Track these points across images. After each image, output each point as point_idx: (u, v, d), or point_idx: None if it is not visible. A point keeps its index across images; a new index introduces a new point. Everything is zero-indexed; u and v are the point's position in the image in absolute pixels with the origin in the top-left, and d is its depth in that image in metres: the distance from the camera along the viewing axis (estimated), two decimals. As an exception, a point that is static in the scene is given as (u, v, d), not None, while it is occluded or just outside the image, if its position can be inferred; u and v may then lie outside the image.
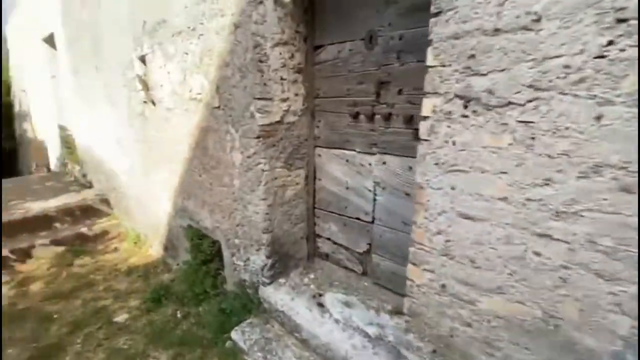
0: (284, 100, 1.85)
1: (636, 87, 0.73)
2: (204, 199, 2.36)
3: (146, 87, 2.73)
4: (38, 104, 6.29)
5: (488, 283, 1.04)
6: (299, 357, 1.70)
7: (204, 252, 2.48)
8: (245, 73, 1.76)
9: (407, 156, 1.64)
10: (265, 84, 1.74)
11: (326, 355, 1.61)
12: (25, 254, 3.14)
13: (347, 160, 1.92)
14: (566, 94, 0.84)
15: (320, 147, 2.07)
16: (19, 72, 7.18)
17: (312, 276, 2.11)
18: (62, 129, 5.28)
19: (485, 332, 1.07)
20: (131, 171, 3.34)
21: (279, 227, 2.00)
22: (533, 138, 0.89)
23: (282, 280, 2.06)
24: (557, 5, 0.81)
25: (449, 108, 1.02)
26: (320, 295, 1.91)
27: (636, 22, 0.70)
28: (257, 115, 1.76)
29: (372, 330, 1.62)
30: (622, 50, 0.74)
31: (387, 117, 1.67)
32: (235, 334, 1.89)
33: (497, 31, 0.91)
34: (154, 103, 2.68)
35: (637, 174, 0.76)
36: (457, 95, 1.00)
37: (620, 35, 0.74)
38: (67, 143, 5.10)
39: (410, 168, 1.64)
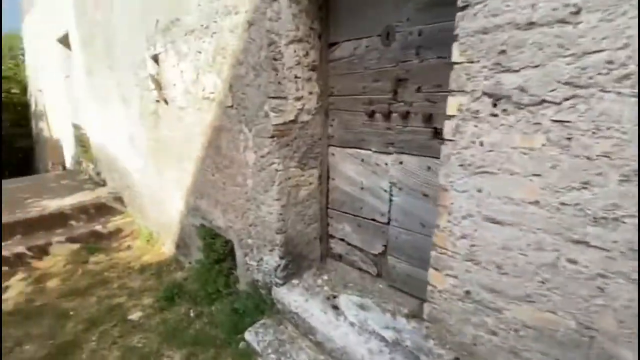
0: (298, 99, 1.82)
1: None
2: (216, 199, 2.35)
3: (159, 86, 2.74)
4: (53, 103, 6.41)
5: (516, 290, 0.99)
6: (313, 360, 1.68)
7: (216, 251, 2.48)
8: (259, 71, 1.73)
9: (425, 156, 1.59)
10: (279, 83, 1.71)
11: (342, 359, 1.58)
12: (42, 251, 3.21)
13: (362, 160, 1.88)
14: (608, 91, 0.78)
15: (334, 146, 2.03)
16: (35, 72, 7.33)
17: (325, 277, 2.08)
18: (76, 127, 5.37)
19: (512, 342, 1.03)
20: (144, 170, 3.36)
21: (293, 228, 1.97)
22: (569, 139, 0.84)
23: (295, 281, 2.03)
24: (598, -4, 0.75)
25: (476, 107, 0.97)
26: (335, 297, 1.88)
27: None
28: (271, 114, 1.73)
29: (388, 335, 1.58)
30: (674, 43, 0.68)
31: (405, 116, 1.62)
32: (248, 335, 1.88)
33: (531, 25, 0.85)
34: (166, 102, 2.68)
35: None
36: (485, 93, 0.95)
37: (672, 27, 0.68)
38: (82, 142, 5.18)
39: (429, 168, 1.59)
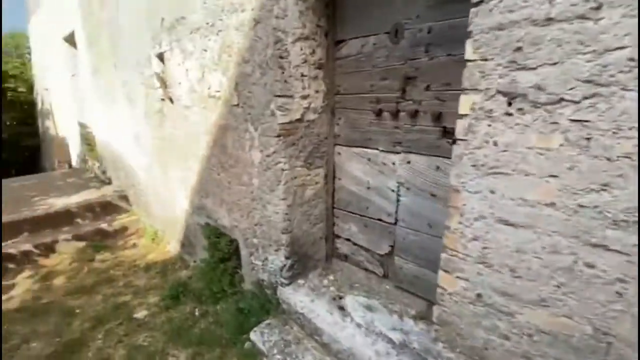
0: (305, 97, 1.80)
1: None
2: (222, 198, 2.34)
3: (164, 84, 2.73)
4: (59, 102, 6.45)
5: (530, 294, 0.97)
6: (319, 361, 1.67)
7: (221, 250, 2.47)
8: (265, 70, 1.71)
9: (434, 155, 1.56)
10: (285, 81, 1.69)
11: (348, 361, 1.56)
12: (48, 249, 3.23)
13: (368, 159, 1.86)
14: (630, 89, 0.75)
15: (340, 145, 2.01)
16: (41, 71, 7.38)
17: (331, 277, 2.06)
18: (82, 126, 5.40)
19: (525, 347, 1.00)
20: (149, 168, 3.36)
21: (299, 228, 1.96)
22: (589, 139, 0.81)
23: (301, 281, 2.02)
24: (620, -9, 0.72)
25: (490, 105, 0.94)
26: (341, 297, 1.86)
27: None
28: (278, 113, 1.72)
29: (396, 336, 1.56)
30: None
31: (413, 115, 1.59)
32: (254, 335, 1.87)
33: (549, 21, 0.82)
34: (171, 100, 2.67)
35: None
36: (499, 92, 0.92)
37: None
38: (87, 140, 5.21)
39: (438, 168, 1.56)
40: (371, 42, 1.71)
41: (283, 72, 1.67)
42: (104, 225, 3.62)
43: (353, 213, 2.02)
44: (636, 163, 0.76)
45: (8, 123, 8.94)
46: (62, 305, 2.53)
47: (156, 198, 3.39)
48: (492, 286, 1.03)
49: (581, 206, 0.84)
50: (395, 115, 1.67)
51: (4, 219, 3.29)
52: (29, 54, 8.85)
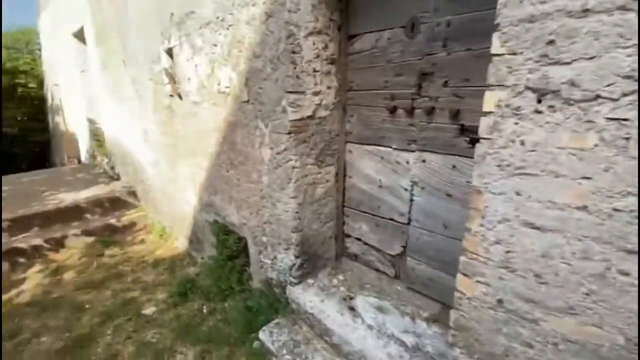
0: (316, 93, 1.75)
1: None
2: (231, 195, 2.32)
3: (173, 80, 2.71)
4: (69, 98, 6.50)
5: (557, 302, 0.92)
6: (329, 362, 1.64)
7: (229, 248, 2.46)
8: (277, 65, 1.67)
9: (450, 154, 1.51)
10: (297, 77, 1.65)
11: (359, 363, 1.53)
12: (58, 244, 3.25)
13: (381, 157, 1.82)
14: (675, 86, 0.70)
15: (351, 143, 1.96)
16: (51, 67, 7.43)
17: (341, 277, 2.03)
18: (91, 122, 5.43)
19: (550, 355, 0.96)
20: (158, 164, 3.36)
21: (309, 227, 1.92)
22: (627, 139, 0.76)
23: (310, 281, 1.99)
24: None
25: (517, 102, 0.89)
26: (351, 298, 1.83)
27: None
28: (289, 109, 1.68)
29: (408, 339, 1.53)
30: None
31: (430, 112, 1.54)
32: (263, 334, 1.85)
33: (586, 12, 0.77)
34: (180, 97, 2.65)
35: None
36: (529, 88, 0.87)
37: None
38: (96, 136, 5.24)
39: (454, 167, 1.51)
40: (386, 36, 1.66)
41: (295, 68, 1.63)
42: (112, 221, 3.64)
43: (364, 212, 1.99)
44: (680, 165, 0.71)
45: (19, 118, 9.05)
46: (71, 300, 2.55)
47: (164, 194, 3.39)
48: (515, 292, 0.99)
49: (616, 210, 0.79)
50: (410, 112, 1.62)
51: (16, 213, 3.32)
52: (40, 49, 8.92)
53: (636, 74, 0.73)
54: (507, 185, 0.95)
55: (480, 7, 1.30)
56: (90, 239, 3.40)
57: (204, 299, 2.42)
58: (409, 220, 1.75)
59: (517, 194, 0.93)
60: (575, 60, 0.80)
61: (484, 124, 0.97)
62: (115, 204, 3.90)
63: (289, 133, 1.71)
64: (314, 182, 1.88)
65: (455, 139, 1.48)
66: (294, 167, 1.77)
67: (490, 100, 0.94)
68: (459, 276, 1.12)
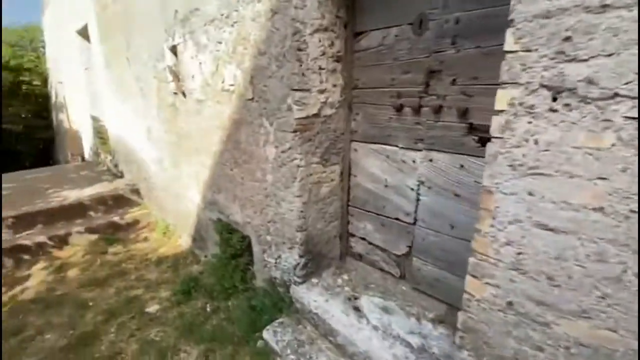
0: (322, 91, 1.74)
1: None
2: (234, 193, 2.31)
3: (177, 78, 2.70)
4: (73, 95, 6.51)
5: (570, 305, 0.90)
6: (334, 362, 1.63)
7: (233, 246, 2.45)
8: (282, 62, 1.66)
9: (458, 153, 1.49)
10: (303, 74, 1.63)
11: (364, 364, 1.52)
12: (62, 241, 3.26)
13: (387, 156, 1.79)
14: (698, 83, 0.67)
15: (356, 141, 1.94)
16: (56, 64, 7.45)
17: (345, 277, 2.01)
18: (94, 119, 5.43)
19: (562, 359, 0.94)
20: (161, 162, 3.36)
21: (313, 226, 1.91)
22: (646, 138, 0.73)
23: (314, 280, 1.98)
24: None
25: (531, 101, 0.87)
26: (356, 298, 1.82)
27: None
28: (294, 107, 1.66)
29: (414, 340, 1.51)
30: None
31: (437, 110, 1.52)
32: (267, 334, 1.84)
33: (604, 7, 0.75)
34: (184, 94, 2.64)
35: None
36: (543, 86, 0.85)
37: None
38: (100, 133, 5.25)
39: (462, 166, 1.49)
40: (393, 33, 1.63)
41: (301, 65, 1.61)
42: (116, 219, 3.64)
43: (369, 211, 1.97)
44: (703, 166, 0.68)
45: (23, 116, 9.08)
46: (75, 297, 2.55)
47: (168, 192, 3.38)
48: (526, 294, 0.97)
49: (633, 212, 0.77)
50: (417, 110, 1.60)
51: (20, 210, 3.33)
52: (44, 47, 8.94)
53: (657, 71, 0.71)
54: (519, 186, 0.93)
55: (490, 4, 1.27)
56: (94, 237, 3.40)
57: (207, 298, 2.42)
58: (415, 220, 1.73)
59: (530, 194, 0.91)
60: (592, 57, 0.77)
61: (495, 123, 0.95)
62: (119, 201, 3.91)
63: (295, 131, 1.69)
64: (318, 181, 1.87)
65: (464, 138, 1.46)
66: (298, 166, 1.75)
67: (502, 98, 0.92)
68: (468, 277, 1.10)
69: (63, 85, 7.09)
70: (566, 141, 0.83)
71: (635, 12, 0.72)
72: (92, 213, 3.67)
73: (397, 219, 1.82)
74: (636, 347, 0.83)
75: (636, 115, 0.74)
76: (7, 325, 2.25)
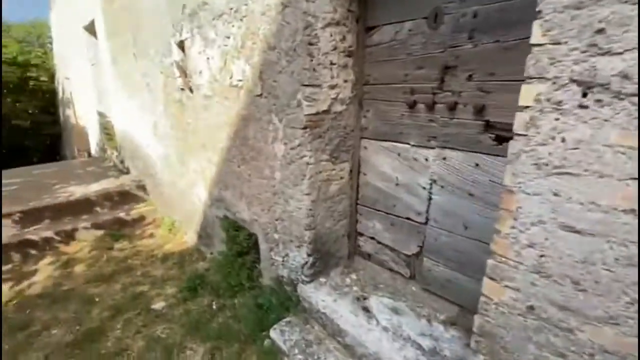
0: (333, 87, 1.70)
1: None
2: (242, 191, 2.28)
3: (184, 73, 2.68)
4: (80, 91, 6.53)
5: (596, 311, 0.86)
6: (342, 363, 1.60)
7: (239, 244, 2.43)
8: (293, 57, 1.62)
9: (473, 151, 1.45)
10: (314, 69, 1.60)
11: (374, 366, 1.49)
12: (69, 236, 3.27)
13: (398, 154, 1.76)
14: None
15: (366, 139, 1.91)
16: (62, 60, 7.48)
17: (354, 277, 1.98)
18: (101, 115, 5.44)
19: (585, 367, 0.90)
20: (167, 158, 3.34)
21: (322, 224, 1.88)
22: (685, 136, 0.69)
23: (322, 280, 1.95)
24: None
25: (559, 96, 0.83)
26: (365, 298, 1.79)
27: None
28: (304, 103, 1.63)
29: (425, 343, 1.48)
30: None
31: (452, 107, 1.47)
32: (274, 333, 1.82)
33: (643, -4, 0.70)
34: (191, 90, 2.62)
35: None
36: (573, 81, 0.80)
37: None
38: (106, 129, 5.26)
39: (477, 165, 1.45)
40: (406, 28, 1.59)
41: (312, 60, 1.57)
42: (122, 214, 3.64)
43: (378, 210, 1.93)
44: None
45: (30, 111, 9.16)
46: (82, 292, 2.55)
47: (174, 188, 3.37)
48: (549, 299, 0.93)
49: (669, 214, 0.73)
50: (431, 107, 1.55)
51: (27, 205, 3.34)
52: (51, 43, 8.99)
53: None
54: (544, 185, 0.89)
55: (511, -4, 1.22)
56: (100, 232, 3.41)
57: (213, 295, 2.40)
58: (427, 219, 1.69)
59: (555, 194, 0.87)
60: (627, 50, 0.73)
61: (519, 120, 0.91)
62: (125, 197, 3.91)
63: (304, 128, 1.66)
64: (328, 178, 1.84)
65: (480, 136, 1.41)
66: (308, 163, 1.72)
67: (527, 94, 0.88)
68: (486, 280, 1.06)
69: (70, 81, 7.12)
70: (597, 139, 0.79)
71: (677, 1, 0.67)
72: (98, 209, 3.67)
73: (407, 218, 1.78)
74: (667, 356, 0.79)
75: (675, 112, 0.70)
76: (15, 320, 2.26)
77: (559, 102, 0.83)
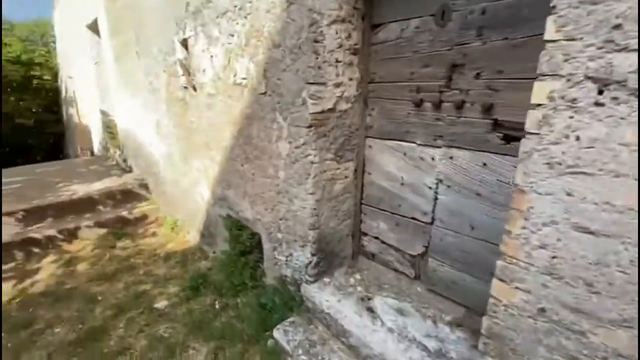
0: (338, 85, 1.68)
1: None
2: (245, 190, 2.27)
3: (187, 72, 2.66)
4: (83, 90, 6.54)
5: (610, 313, 0.84)
6: (346, 364, 1.59)
7: (243, 243, 2.42)
8: (298, 55, 1.60)
9: (481, 151, 1.43)
10: (319, 67, 1.58)
11: (379, 367, 1.48)
12: (72, 235, 3.26)
13: (404, 154, 1.74)
14: None
15: (371, 137, 1.89)
16: (66, 59, 7.50)
17: (357, 277, 1.97)
18: (104, 114, 5.45)
19: (598, 371, 0.88)
20: (170, 157, 3.34)
21: (326, 224, 1.86)
22: None
23: (326, 280, 1.94)
24: None
25: (574, 94, 0.81)
26: (369, 298, 1.77)
27: None
28: (309, 101, 1.61)
29: (431, 344, 1.46)
30: None
31: (459, 105, 1.45)
32: (277, 333, 1.80)
33: (663, -10, 0.68)
34: (194, 89, 2.61)
35: None
36: (588, 78, 0.78)
37: None
38: (109, 128, 5.26)
39: (485, 165, 1.43)
40: (413, 25, 1.57)
41: (317, 58, 1.56)
42: (124, 213, 3.64)
43: (383, 210, 1.91)
44: None
45: (34, 110, 9.19)
46: (84, 291, 2.55)
47: (176, 187, 3.37)
48: (561, 301, 0.91)
49: (688, 215, 0.71)
50: (437, 105, 1.53)
51: (31, 204, 3.35)
52: (54, 42, 9.01)
53: None
54: (557, 185, 0.87)
55: (521, -8, 1.20)
56: (103, 231, 3.41)
57: (216, 294, 2.39)
58: (433, 219, 1.67)
59: (569, 194, 0.85)
60: (647, 45, 0.71)
61: (532, 118, 0.89)
62: (127, 196, 3.90)
63: (309, 126, 1.64)
64: (332, 178, 1.82)
65: (487, 135, 1.39)
66: (312, 162, 1.71)
67: (540, 91, 0.86)
68: (495, 281, 1.04)
69: (73, 80, 7.13)
70: (612, 137, 0.77)
71: (699, -5, 0.65)
72: (101, 207, 3.67)
73: (413, 218, 1.76)
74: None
75: (696, 110, 0.68)
76: (18, 318, 2.25)
77: (574, 100, 0.81)
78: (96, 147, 6.49)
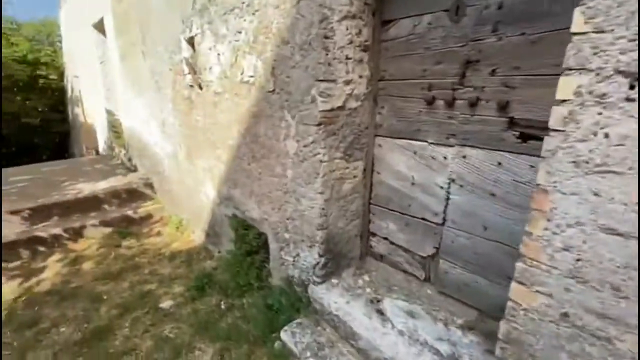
0: (348, 82, 1.65)
1: None
2: (251, 189, 2.25)
3: (193, 70, 2.65)
4: (88, 89, 6.56)
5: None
6: (356, 367, 1.55)
7: (249, 243, 2.40)
8: (307, 51, 1.57)
9: (495, 150, 1.39)
10: (329, 64, 1.55)
11: (389, 371, 1.44)
12: (77, 234, 3.26)
13: (414, 153, 1.70)
14: None
15: (381, 136, 1.85)
16: (71, 58, 7.53)
17: (366, 278, 1.93)
18: (109, 113, 5.46)
19: (625, 379, 0.84)
20: (175, 156, 3.32)
21: (334, 224, 1.83)
22: None
23: (334, 281, 1.90)
24: None
25: (603, 89, 0.77)
26: (378, 300, 1.74)
27: None
28: (319, 99, 1.58)
29: (443, 348, 1.42)
30: None
31: (473, 103, 1.41)
32: (285, 335, 1.77)
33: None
34: (201, 87, 2.59)
35: None
36: (619, 72, 0.75)
37: None
38: (114, 127, 5.27)
39: (500, 164, 1.39)
40: (425, 21, 1.53)
41: (327, 54, 1.53)
42: (129, 212, 3.63)
43: (392, 210, 1.88)
44: None
45: (40, 109, 9.24)
46: (90, 290, 2.53)
47: (181, 186, 3.35)
48: (585, 306, 0.87)
49: None
50: (450, 103, 1.50)
51: (36, 202, 3.35)
52: (60, 41, 9.06)
53: None
54: (583, 185, 0.83)
55: (540, -14, 1.16)
56: (108, 230, 3.40)
57: (221, 295, 2.37)
58: (444, 220, 1.63)
59: (596, 194, 0.81)
60: (684, 37, 0.67)
61: (556, 115, 0.85)
62: (132, 195, 3.90)
63: (319, 124, 1.61)
64: (341, 177, 1.79)
65: (503, 133, 1.35)
66: (321, 161, 1.67)
67: (566, 86, 0.82)
68: (514, 285, 1.01)
69: (79, 79, 7.16)
70: (645, 134, 0.73)
71: None
72: (106, 206, 3.67)
73: (423, 218, 1.73)
74: None
75: None
76: (23, 317, 2.25)
77: (603, 95, 0.77)
78: (101, 146, 6.51)
